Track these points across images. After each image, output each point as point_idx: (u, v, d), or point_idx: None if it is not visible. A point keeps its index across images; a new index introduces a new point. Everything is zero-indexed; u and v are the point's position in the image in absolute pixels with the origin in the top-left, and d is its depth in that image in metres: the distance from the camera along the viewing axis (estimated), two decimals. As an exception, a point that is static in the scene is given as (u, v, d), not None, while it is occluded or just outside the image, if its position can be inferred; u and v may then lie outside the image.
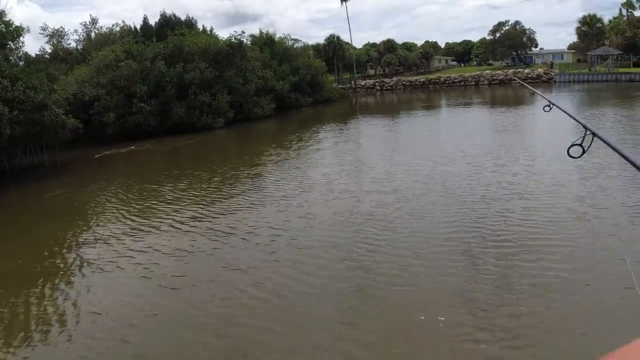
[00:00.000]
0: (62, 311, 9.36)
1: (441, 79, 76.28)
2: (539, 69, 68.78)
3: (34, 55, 43.79)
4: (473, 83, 72.67)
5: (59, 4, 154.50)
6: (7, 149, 26.16)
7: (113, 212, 16.74)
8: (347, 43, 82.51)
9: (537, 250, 9.67)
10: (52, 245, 13.92)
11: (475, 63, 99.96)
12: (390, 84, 78.88)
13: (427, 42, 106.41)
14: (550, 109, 4.68)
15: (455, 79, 75.32)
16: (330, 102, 62.07)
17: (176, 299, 9.30)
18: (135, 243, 12.97)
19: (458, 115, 38.24)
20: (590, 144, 2.69)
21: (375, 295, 8.60)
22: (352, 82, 79.92)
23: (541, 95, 5.73)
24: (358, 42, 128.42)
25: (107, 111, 37.12)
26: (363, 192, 15.60)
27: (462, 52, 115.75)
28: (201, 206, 15.94)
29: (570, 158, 3.08)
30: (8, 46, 27.44)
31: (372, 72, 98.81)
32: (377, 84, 79.98)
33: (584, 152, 2.81)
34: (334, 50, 76.36)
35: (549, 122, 25.59)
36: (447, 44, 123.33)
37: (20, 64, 31.37)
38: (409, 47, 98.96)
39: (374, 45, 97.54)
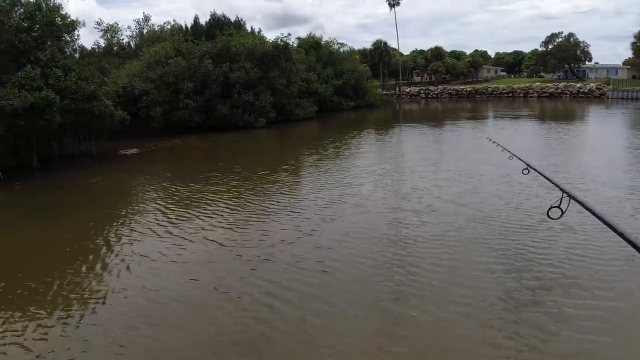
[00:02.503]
0: (94, 289, 10.05)
1: (489, 89, 75.19)
2: (592, 84, 66.77)
3: (89, 49, 45.79)
4: (522, 95, 71.28)
5: (114, 0, 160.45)
6: (57, 136, 27.67)
7: (152, 200, 17.74)
8: (394, 49, 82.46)
9: (583, 286, 8.83)
10: (92, 226, 14.80)
11: (525, 75, 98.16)
12: (436, 92, 78.29)
13: (476, 51, 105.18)
14: (528, 172, 4.68)
15: (504, 89, 74.09)
16: (372, 107, 62.19)
17: (200, 287, 9.84)
18: (171, 229, 13.65)
19: (507, 127, 37.25)
20: (568, 206, 2.86)
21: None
22: (397, 88, 79.74)
23: (517, 158, 5.59)
24: (405, 49, 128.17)
25: (154, 105, 38.61)
26: (396, 207, 14.66)
27: (512, 63, 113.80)
28: (237, 201, 16.39)
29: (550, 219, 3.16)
30: (63, 38, 28.98)
31: (418, 79, 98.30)
32: (422, 91, 79.52)
33: (562, 213, 2.95)
34: (380, 56, 76.50)
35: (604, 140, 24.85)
36: (497, 53, 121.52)
37: (76, 56, 33.03)
38: (457, 55, 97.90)
39: (421, 52, 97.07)
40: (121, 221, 15.07)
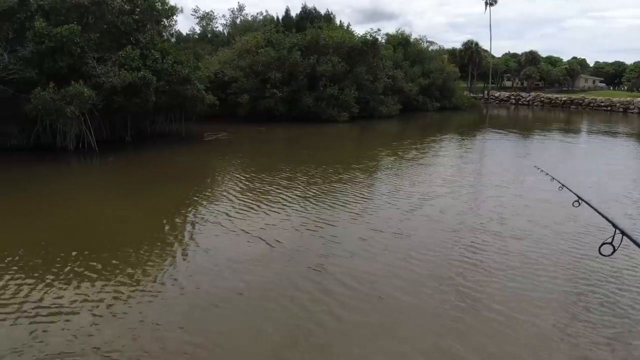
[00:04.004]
0: (170, 262, 10.25)
1: (585, 100, 70.61)
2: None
3: (184, 34, 47.64)
4: (621, 109, 65.97)
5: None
6: (150, 115, 28.90)
7: (234, 182, 18.08)
8: (486, 50, 79.47)
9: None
10: (175, 201, 15.37)
11: (625, 88, 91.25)
12: (527, 98, 74.73)
13: (574, 58, 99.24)
14: (579, 204, 4.39)
15: (602, 102, 69.22)
16: (458, 109, 60.25)
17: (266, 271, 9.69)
18: (249, 212, 13.70)
19: (605, 145, 33.42)
20: (621, 243, 2.82)
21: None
22: (486, 91, 76.93)
23: (569, 189, 4.97)
24: (497, 51, 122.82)
25: (242, 93, 39.39)
26: (472, 227, 12.67)
27: (613, 74, 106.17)
28: (306, 199, 15.61)
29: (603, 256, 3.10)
30: (162, 23, 30.21)
31: (508, 83, 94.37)
32: (512, 97, 76.21)
33: (614, 250, 2.93)
34: (470, 57, 74.13)
35: None
36: (596, 62, 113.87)
37: (172, 40, 34.41)
38: (553, 61, 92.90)
39: (514, 55, 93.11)
40: (194, 203, 15.24)
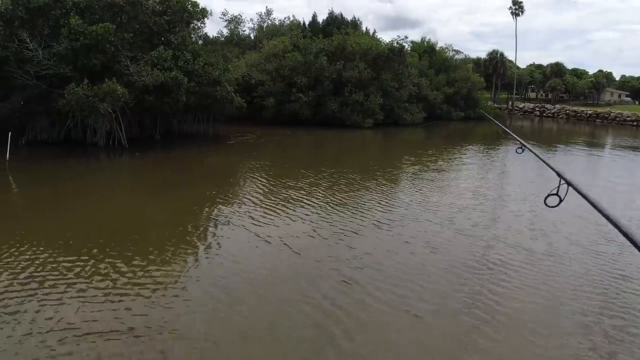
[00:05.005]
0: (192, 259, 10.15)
1: (611, 114, 69.33)
2: None
3: (211, 37, 47.96)
4: (648, 125, 64.82)
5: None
6: (180, 115, 29.09)
7: (259, 185, 18.06)
8: (510, 61, 78.74)
9: None
10: (200, 202, 15.35)
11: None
12: (552, 110, 73.68)
13: (600, 71, 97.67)
14: (523, 151, 4.50)
15: (628, 117, 67.85)
16: (482, 119, 59.55)
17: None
18: (274, 218, 13.64)
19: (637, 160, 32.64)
20: (566, 194, 2.72)
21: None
22: (510, 102, 76.14)
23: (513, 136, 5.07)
24: (521, 62, 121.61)
25: (268, 96, 39.53)
26: (494, 239, 12.33)
27: (639, 89, 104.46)
28: (327, 207, 15.17)
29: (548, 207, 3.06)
30: (192, 25, 30.43)
31: (532, 95, 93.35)
32: (537, 108, 75.24)
33: (560, 201, 2.86)
34: (494, 67, 73.41)
35: None
36: (622, 76, 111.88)
37: (200, 42, 34.65)
38: (578, 74, 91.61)
39: (539, 66, 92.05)
40: (219, 205, 15.11)
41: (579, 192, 2.40)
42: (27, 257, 9.88)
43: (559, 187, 2.79)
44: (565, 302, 8.85)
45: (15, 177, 18.57)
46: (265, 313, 8.02)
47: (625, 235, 1.81)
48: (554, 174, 2.95)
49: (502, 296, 8.95)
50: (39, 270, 9.28)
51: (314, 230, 12.55)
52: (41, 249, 10.35)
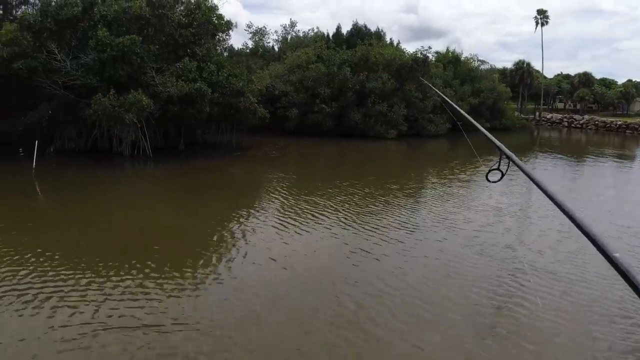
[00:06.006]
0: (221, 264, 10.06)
1: (641, 125, 67.62)
2: None
3: (236, 49, 48.53)
4: (679, 137, 62.82)
5: (260, 6, 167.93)
6: (204, 125, 29.35)
7: (282, 197, 17.92)
8: (537, 71, 77.47)
9: None
10: (222, 213, 15.40)
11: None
12: (581, 121, 72.09)
13: (629, 81, 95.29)
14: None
15: (658, 127, 66.10)
16: (508, 130, 58.62)
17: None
18: (297, 233, 13.62)
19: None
20: (508, 168, 2.77)
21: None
22: (537, 113, 74.88)
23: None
24: (549, 72, 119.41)
25: (291, 107, 39.66)
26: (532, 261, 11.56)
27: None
28: (347, 222, 14.72)
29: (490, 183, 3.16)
30: (217, 37, 30.78)
31: (560, 105, 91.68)
32: (565, 119, 73.74)
33: (502, 175, 2.90)
34: (521, 77, 72.26)
35: None
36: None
37: (225, 54, 35.03)
38: (607, 83, 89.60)
39: (567, 76, 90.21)
40: (241, 216, 15.02)
41: (519, 167, 2.46)
42: (50, 261, 10.00)
43: (499, 161, 2.84)
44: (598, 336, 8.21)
45: (42, 184, 18.93)
46: (265, 335, 7.77)
47: (566, 213, 1.79)
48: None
49: (531, 338, 8.58)
50: (60, 268, 9.43)
51: (339, 248, 12.22)
52: (62, 252, 10.50)
